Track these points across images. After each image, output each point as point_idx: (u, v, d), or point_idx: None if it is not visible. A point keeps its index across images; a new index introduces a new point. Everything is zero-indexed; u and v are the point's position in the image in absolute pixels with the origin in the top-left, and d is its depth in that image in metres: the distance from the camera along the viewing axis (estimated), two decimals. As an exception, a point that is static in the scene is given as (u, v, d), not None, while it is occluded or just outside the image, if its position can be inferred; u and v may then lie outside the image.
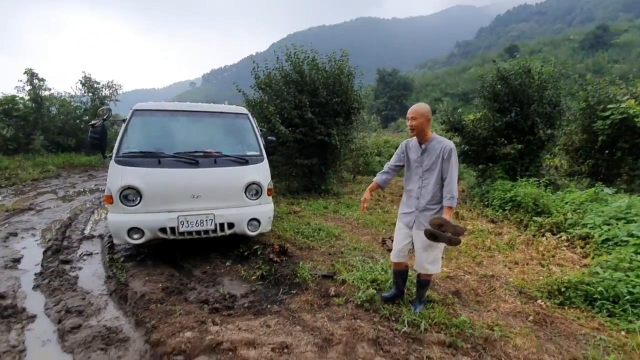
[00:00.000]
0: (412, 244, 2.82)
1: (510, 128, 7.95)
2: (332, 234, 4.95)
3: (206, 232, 3.73)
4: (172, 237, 3.64)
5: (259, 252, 3.89)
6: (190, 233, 3.69)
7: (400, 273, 2.96)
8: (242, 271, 3.60)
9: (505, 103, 7.90)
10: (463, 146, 8.96)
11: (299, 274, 3.37)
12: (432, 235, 2.43)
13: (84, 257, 3.95)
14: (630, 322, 2.82)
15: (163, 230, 3.61)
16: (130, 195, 3.55)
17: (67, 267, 3.63)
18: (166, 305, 2.81)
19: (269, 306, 2.93)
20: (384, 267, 3.70)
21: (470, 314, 2.94)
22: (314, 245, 4.42)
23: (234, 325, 2.55)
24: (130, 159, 3.63)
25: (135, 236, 3.57)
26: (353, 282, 3.26)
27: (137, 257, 3.89)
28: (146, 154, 3.70)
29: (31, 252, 4.13)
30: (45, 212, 6.06)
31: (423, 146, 2.68)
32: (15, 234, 4.69)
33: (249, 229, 3.91)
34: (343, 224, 5.71)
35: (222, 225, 3.77)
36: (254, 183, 3.93)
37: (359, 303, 2.93)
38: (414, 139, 2.75)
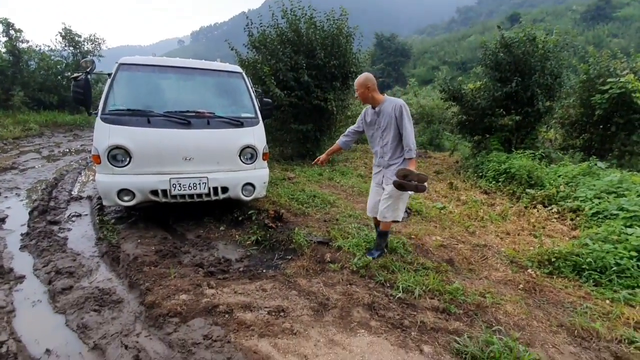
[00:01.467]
0: (376, 201, 3.13)
1: (509, 99, 7.82)
2: (327, 201, 4.92)
3: (199, 195, 3.64)
4: (164, 200, 3.54)
5: (253, 218, 3.84)
6: (183, 196, 3.59)
7: (377, 226, 3.25)
8: (237, 236, 3.57)
9: (507, 72, 7.70)
10: (460, 116, 8.85)
11: (294, 240, 3.35)
12: (400, 186, 2.73)
13: (73, 219, 3.85)
14: (615, 291, 2.91)
15: (154, 192, 3.50)
16: (118, 156, 3.40)
17: (55, 228, 3.54)
18: (160, 267, 2.77)
19: (264, 271, 2.93)
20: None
21: (463, 281, 2.99)
22: (309, 211, 4.39)
23: (229, 288, 2.54)
24: (118, 117, 3.43)
25: (126, 198, 3.46)
26: (349, 248, 3.26)
27: (128, 220, 3.81)
28: (134, 112, 3.50)
29: (16, 212, 4.00)
30: (29, 172, 5.84)
31: (377, 109, 2.96)
32: (-1, 194, 4.52)
33: (243, 194, 3.82)
34: (338, 192, 5.68)
35: (215, 189, 3.68)
36: (248, 147, 3.80)
37: (354, 269, 2.95)
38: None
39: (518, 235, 4.32)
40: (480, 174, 7.33)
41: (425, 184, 2.69)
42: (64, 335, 2.03)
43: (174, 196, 3.55)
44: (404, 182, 2.67)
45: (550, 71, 7.50)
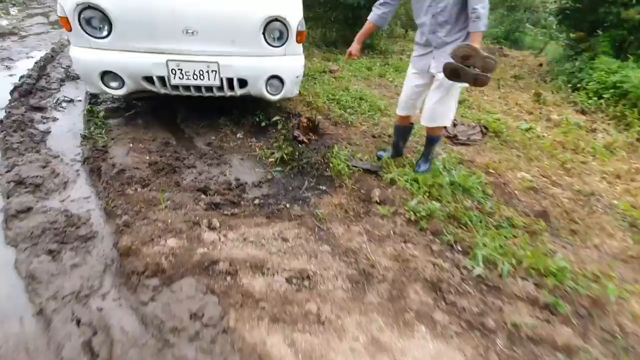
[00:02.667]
0: (419, 93, 2.36)
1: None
2: (377, 106, 3.81)
3: (208, 88, 2.69)
4: (163, 90, 2.65)
5: (279, 126, 2.90)
6: (187, 88, 2.66)
7: (403, 130, 2.63)
8: (257, 149, 2.73)
9: None
10: (565, 1, 6.54)
11: (331, 164, 2.46)
12: (453, 73, 1.85)
13: (62, 104, 3.12)
14: None
15: (149, 79, 2.59)
16: (94, 21, 2.39)
17: (36, 116, 2.84)
18: (151, 189, 2.07)
19: (287, 205, 2.15)
20: (447, 163, 2.72)
21: (565, 250, 2.10)
22: (352, 120, 3.36)
23: (237, 232, 1.82)
24: (84, -42, 2.29)
25: (113, 84, 2.59)
26: (405, 184, 2.36)
27: (126, 112, 3.02)
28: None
29: None
30: (29, 40, 5.00)
31: None
32: (-15, 64, 3.79)
33: (267, 91, 2.82)
34: (391, 94, 4.47)
35: (230, 80, 2.68)
36: (276, 19, 2.60)
37: (411, 218, 2.10)
38: None
39: (632, 180, 3.16)
40: (577, 85, 5.60)
41: (489, 74, 1.79)
42: (9, 284, 1.47)
43: (175, 87, 2.62)
44: (461, 67, 1.79)
45: None
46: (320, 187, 2.36)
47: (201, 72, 2.58)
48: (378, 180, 2.44)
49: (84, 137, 2.56)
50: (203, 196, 2.08)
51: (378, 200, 2.22)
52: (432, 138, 2.50)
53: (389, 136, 3.15)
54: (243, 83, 2.74)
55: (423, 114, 2.35)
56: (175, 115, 3.16)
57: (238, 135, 2.86)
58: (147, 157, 2.37)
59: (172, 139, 2.75)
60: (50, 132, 2.65)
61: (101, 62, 2.47)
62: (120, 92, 2.61)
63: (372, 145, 2.94)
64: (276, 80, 2.79)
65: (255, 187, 2.32)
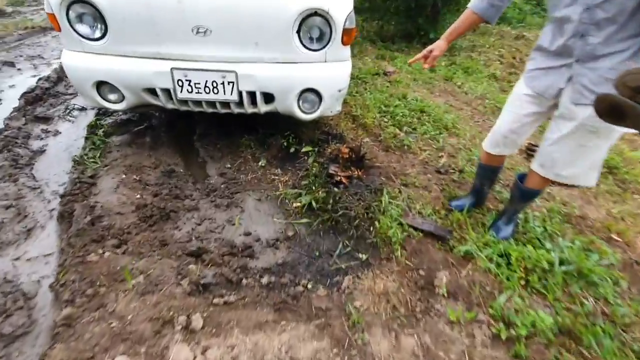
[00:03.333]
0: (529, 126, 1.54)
1: None
2: (442, 122, 2.96)
3: (225, 104, 2.09)
4: (169, 105, 2.11)
5: (311, 159, 2.21)
6: (197, 103, 2.09)
7: (491, 171, 1.83)
8: (280, 185, 2.08)
9: None
10: None
11: (377, 222, 1.73)
12: (614, 111, 0.99)
13: (72, 114, 2.74)
14: None
15: (151, 92, 2.06)
16: (85, 18, 1.89)
17: (36, 129, 2.46)
18: (124, 252, 1.52)
19: (309, 287, 1.48)
20: (549, 223, 1.86)
21: None
22: (410, 143, 2.58)
23: (224, 344, 1.20)
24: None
25: (112, 97, 2.11)
26: (488, 265, 1.56)
27: (135, 126, 2.55)
28: None
29: (15, 94, 3.00)
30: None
31: None
32: (12, 64, 3.58)
33: (300, 108, 2.15)
34: (459, 104, 3.56)
35: (251, 95, 2.06)
36: (316, 13, 1.90)
37: (500, 333, 1.32)
38: None
39: None
40: None
41: None
42: None
43: (183, 101, 2.06)
44: (631, 105, 0.94)
45: None
46: (360, 255, 1.65)
47: (215, 84, 1.98)
48: (445, 252, 1.66)
49: (75, 161, 2.12)
50: (192, 267, 1.48)
51: (445, 292, 1.46)
52: (530, 192, 1.65)
53: (460, 171, 2.32)
54: (269, 98, 2.10)
55: (541, 156, 1.48)
56: (194, 129, 2.63)
57: (260, 163, 2.24)
58: (138, 196, 1.84)
59: (179, 165, 2.21)
60: (44, 151, 2.25)
61: (95, 71, 1.98)
62: (121, 106, 2.12)
63: (436, 185, 2.14)
64: (312, 94, 2.10)
65: (270, 249, 1.68)
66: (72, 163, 2.12)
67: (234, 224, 1.81)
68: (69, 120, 2.64)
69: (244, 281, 1.46)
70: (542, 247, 1.70)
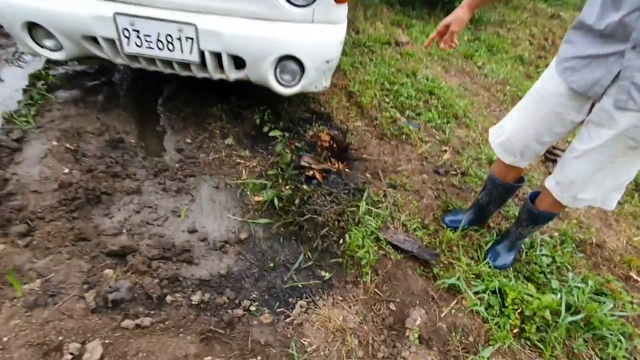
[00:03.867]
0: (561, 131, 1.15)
1: None
2: (452, 108, 2.56)
3: (184, 65, 1.71)
4: (118, 60, 1.72)
5: (279, 146, 1.81)
6: (151, 61, 1.70)
7: (504, 189, 1.44)
8: (244, 171, 1.74)
9: None
10: None
11: (350, 235, 1.41)
12: None
13: (23, 58, 2.34)
14: None
15: (93, 41, 1.67)
16: None
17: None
18: (28, 245, 1.22)
19: (252, 309, 1.20)
20: (558, 253, 1.54)
21: None
22: (410, 132, 2.19)
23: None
24: None
25: (48, 44, 1.72)
26: (476, 304, 1.26)
27: (92, 79, 2.17)
28: None
29: None
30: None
31: None
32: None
33: (278, 79, 1.75)
34: (476, 87, 3.11)
35: (216, 57, 1.67)
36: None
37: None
38: None
39: None
40: None
41: None
42: None
43: (132, 56, 1.67)
44: None
45: None
46: (322, 272, 1.35)
47: (169, 39, 1.58)
48: (427, 280, 1.35)
49: (5, 118, 1.77)
50: (108, 272, 1.19)
51: (417, 337, 1.17)
52: (542, 215, 1.32)
53: (462, 174, 1.96)
54: (239, 62, 1.70)
55: (562, 171, 1.15)
56: (161, 90, 2.26)
57: (227, 141, 1.88)
58: (67, 170, 1.52)
59: (131, 133, 1.86)
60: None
61: (23, 9, 1.57)
62: (60, 55, 1.74)
63: (430, 189, 1.79)
64: (292, 63, 1.69)
65: (215, 253, 1.38)
66: (0, 120, 1.78)
67: (179, 216, 1.50)
68: (17, 65, 2.26)
69: (169, 298, 1.18)
70: (546, 285, 1.39)
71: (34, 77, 2.04)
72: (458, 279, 1.31)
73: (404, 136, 2.18)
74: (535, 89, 1.16)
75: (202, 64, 1.67)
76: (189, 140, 1.88)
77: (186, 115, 2.06)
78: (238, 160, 1.79)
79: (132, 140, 1.83)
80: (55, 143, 1.63)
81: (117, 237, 1.35)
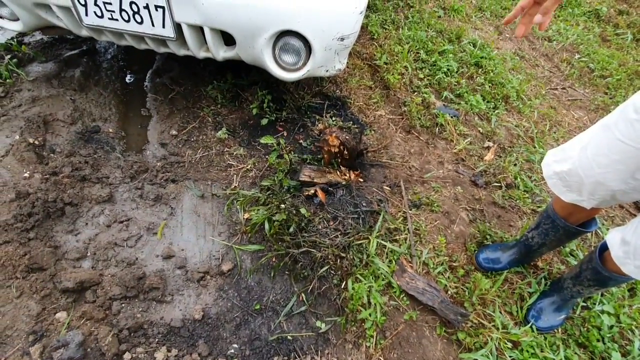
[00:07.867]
0: None
1: None
2: (502, 87, 2.06)
3: (159, 41, 1.35)
4: (83, 32, 1.39)
5: (273, 154, 1.47)
6: (119, 35, 1.35)
7: (565, 230, 1.05)
8: (236, 177, 1.44)
9: None
10: None
11: (354, 280, 1.12)
12: None
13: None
14: None
15: (46, 9, 1.33)
16: None
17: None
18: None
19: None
20: (629, 317, 1.19)
21: None
22: (445, 122, 1.76)
23: None
24: None
25: (3, 12, 1.41)
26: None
27: (71, 49, 1.86)
28: None
29: None
30: None
31: None
32: None
33: (278, 61, 1.36)
34: (535, 55, 2.53)
35: (196, 31, 1.29)
36: None
37: None
38: None
39: None
40: None
41: None
42: None
43: (93, 28, 1.33)
44: None
45: None
46: (317, 323, 1.10)
47: (136, 9, 1.21)
48: (448, 346, 1.07)
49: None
50: (61, 315, 1.00)
51: None
52: (611, 278, 0.96)
53: (507, 186, 1.56)
54: (227, 39, 1.32)
55: (629, 233, 0.81)
56: (152, 61, 1.92)
57: (219, 134, 1.57)
58: (27, 174, 1.29)
59: (109, 120, 1.59)
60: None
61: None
62: (18, 26, 1.42)
63: (465, 209, 1.43)
64: (295, 40, 1.28)
65: (193, 287, 1.15)
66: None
67: (155, 234, 1.27)
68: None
69: (127, 356, 0.98)
70: (604, 358, 1.07)
71: (4, 49, 1.75)
72: (490, 352, 1.02)
73: (437, 128, 1.76)
74: (625, 107, 0.74)
75: (182, 39, 1.30)
76: (174, 132, 1.59)
77: (176, 96, 1.74)
78: (229, 162, 1.49)
79: (110, 130, 1.56)
80: (17, 137, 1.39)
81: (79, 261, 1.15)
